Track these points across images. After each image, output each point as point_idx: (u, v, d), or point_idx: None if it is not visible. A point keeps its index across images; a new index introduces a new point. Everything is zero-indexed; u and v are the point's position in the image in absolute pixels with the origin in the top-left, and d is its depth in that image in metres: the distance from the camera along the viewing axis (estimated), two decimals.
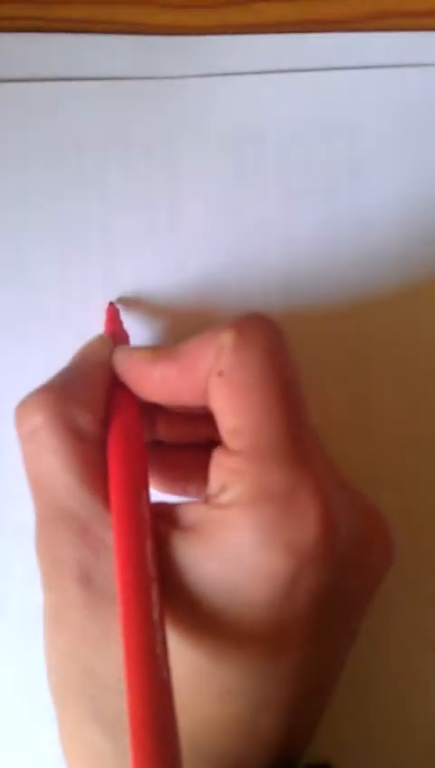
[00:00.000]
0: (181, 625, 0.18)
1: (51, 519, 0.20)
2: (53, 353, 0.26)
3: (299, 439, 0.19)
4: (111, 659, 0.18)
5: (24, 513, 0.25)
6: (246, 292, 0.27)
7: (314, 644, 0.19)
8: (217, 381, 0.19)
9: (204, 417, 0.22)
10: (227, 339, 0.19)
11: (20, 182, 0.27)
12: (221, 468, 0.19)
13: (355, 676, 0.24)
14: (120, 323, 0.25)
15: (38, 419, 0.20)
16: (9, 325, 0.27)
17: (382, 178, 0.27)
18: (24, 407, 0.20)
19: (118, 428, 0.21)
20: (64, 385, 0.21)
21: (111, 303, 0.26)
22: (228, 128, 0.27)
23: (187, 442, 0.24)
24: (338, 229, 0.27)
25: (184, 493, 0.24)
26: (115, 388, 0.22)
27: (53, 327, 0.27)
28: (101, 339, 0.23)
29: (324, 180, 0.27)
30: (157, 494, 0.23)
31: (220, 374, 0.19)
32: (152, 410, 0.23)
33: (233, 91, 0.27)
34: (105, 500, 0.20)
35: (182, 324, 0.27)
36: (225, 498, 0.19)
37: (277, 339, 0.20)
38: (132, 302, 0.27)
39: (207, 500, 0.19)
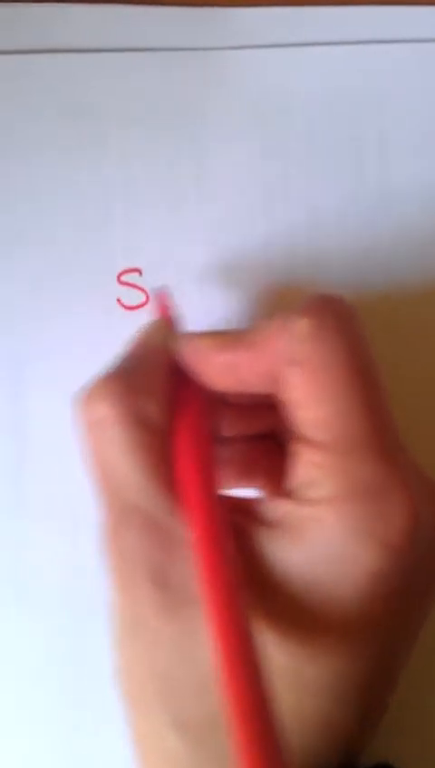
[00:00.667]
0: (268, 623, 0.18)
1: (119, 515, 0.19)
2: (73, 327, 0.26)
3: (385, 430, 0.18)
4: (192, 663, 0.18)
5: (46, 492, 0.26)
6: (273, 268, 0.26)
7: (392, 636, 0.19)
8: (293, 371, 0.19)
9: (266, 407, 0.21)
10: (300, 326, 0.19)
11: (43, 154, 0.27)
12: (305, 462, 0.19)
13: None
14: (172, 309, 0.24)
15: (103, 409, 0.19)
16: (28, 299, 0.26)
17: (411, 152, 0.27)
18: (87, 396, 0.19)
19: (184, 418, 0.20)
20: (127, 373, 0.20)
21: (161, 289, 0.25)
22: (255, 100, 0.27)
23: (248, 434, 0.23)
24: (366, 203, 0.27)
25: (245, 486, 0.23)
26: (177, 375, 0.21)
27: (73, 301, 0.26)
28: (159, 324, 0.22)
29: (353, 154, 0.27)
30: None
31: (296, 363, 0.19)
32: (212, 401, 0.22)
33: (260, 63, 0.27)
34: (175, 495, 0.19)
35: (208, 300, 0.26)
36: (313, 493, 0.18)
37: (353, 323, 0.19)
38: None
39: (291, 495, 0.19)
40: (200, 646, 0.17)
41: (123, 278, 0.26)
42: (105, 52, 0.27)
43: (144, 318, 0.26)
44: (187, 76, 0.27)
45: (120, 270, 0.26)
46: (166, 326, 0.22)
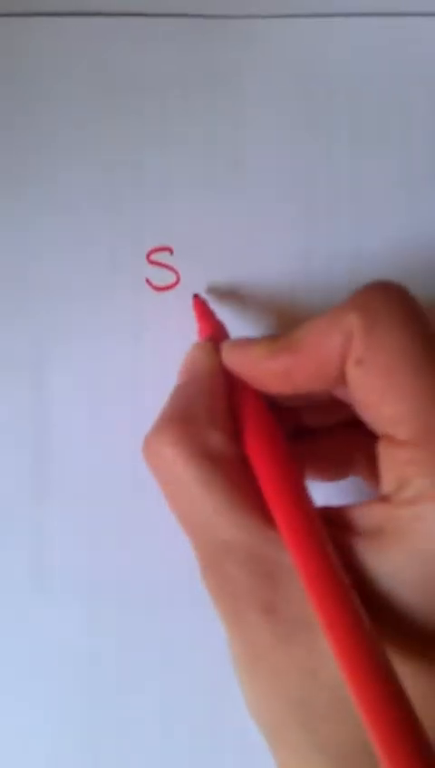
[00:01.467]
0: (388, 641, 0.17)
1: (214, 554, 0.18)
2: (99, 308, 0.25)
3: None
4: (323, 688, 0.17)
5: (68, 477, 0.25)
6: (312, 248, 0.25)
7: None
8: (357, 371, 0.18)
9: (343, 401, 0.20)
10: (355, 321, 0.18)
11: (76, 125, 0.25)
12: (393, 462, 0.18)
13: None
14: (212, 315, 0.24)
15: (169, 455, 0.18)
16: (53, 277, 0.25)
17: None
18: (150, 445, 0.19)
19: (254, 438, 0.19)
20: (183, 408, 0.19)
21: (197, 296, 0.24)
22: (297, 72, 0.25)
23: (332, 423, 0.22)
24: (413, 182, 0.25)
25: (344, 476, 0.23)
26: (234, 392, 0.20)
27: (99, 280, 0.25)
28: (202, 347, 0.21)
29: (398, 129, 0.25)
30: None
31: (359, 362, 0.18)
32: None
33: (302, 33, 0.25)
34: (267, 519, 0.18)
35: (252, 286, 0.25)
36: (409, 494, 0.17)
37: (410, 307, 0.18)
38: (222, 293, 0.25)
39: (385, 499, 0.18)
40: (330, 669, 0.17)
41: (153, 257, 0.25)
42: (140, 17, 0.25)
43: (174, 300, 0.25)
44: (223, 46, 0.25)
45: (149, 248, 0.25)
46: (210, 345, 0.21)
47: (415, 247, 0.25)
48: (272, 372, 0.19)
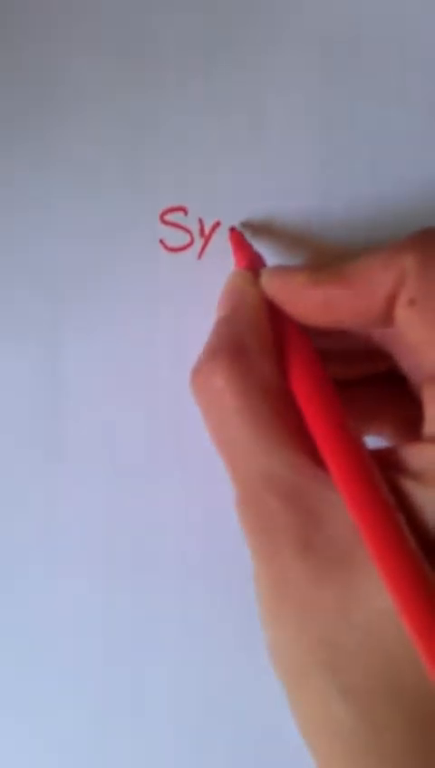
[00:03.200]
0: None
1: (254, 487, 0.18)
2: (110, 270, 0.25)
3: None
4: (354, 628, 0.17)
5: (77, 437, 0.25)
6: (330, 213, 0.24)
7: None
8: (409, 311, 0.18)
9: (374, 351, 0.20)
10: (410, 261, 0.18)
11: (91, 79, 0.24)
12: None
13: None
14: (249, 247, 0.23)
15: (219, 383, 0.18)
16: (62, 236, 0.25)
17: None
18: (199, 373, 0.19)
19: (300, 370, 0.19)
20: (234, 338, 0.19)
21: (233, 228, 0.24)
22: (317, 27, 0.24)
23: (357, 378, 0.22)
24: (431, 131, 0.24)
25: (370, 434, 0.22)
26: (275, 322, 0.20)
27: (110, 241, 0.25)
28: (243, 276, 0.21)
29: (422, 91, 0.24)
30: None
31: (412, 302, 0.18)
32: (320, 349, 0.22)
33: None
34: (312, 456, 0.18)
35: (259, 247, 0.24)
36: None
37: None
38: (258, 228, 0.24)
39: (431, 440, 0.18)
40: (363, 608, 0.17)
41: (167, 217, 0.24)
42: None
43: (188, 261, 0.24)
44: (243, 5, 0.24)
45: (163, 208, 0.24)
46: (249, 274, 0.21)
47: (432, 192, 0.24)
48: (314, 301, 0.19)
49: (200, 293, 0.24)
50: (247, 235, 0.24)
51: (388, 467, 0.18)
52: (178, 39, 0.24)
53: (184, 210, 0.24)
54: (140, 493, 0.25)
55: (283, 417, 0.18)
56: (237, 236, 0.23)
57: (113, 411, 0.25)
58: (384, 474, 0.17)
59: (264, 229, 0.24)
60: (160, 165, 0.24)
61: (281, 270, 0.20)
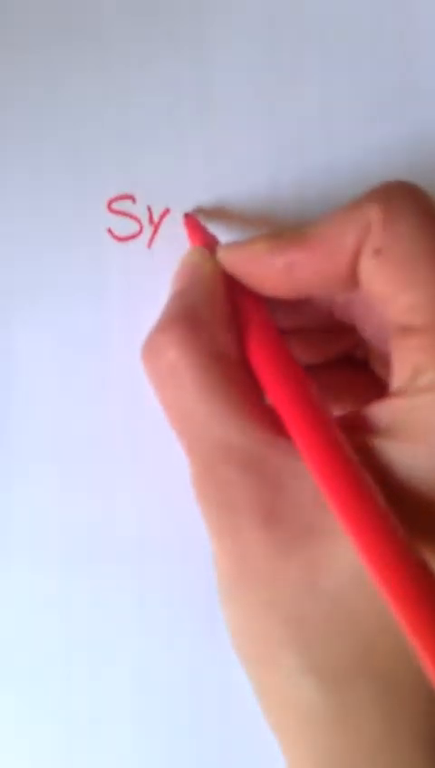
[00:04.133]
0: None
1: (211, 460, 0.18)
2: (58, 260, 0.24)
3: None
4: (323, 600, 0.16)
5: (28, 430, 0.24)
6: (280, 194, 0.24)
7: None
8: (374, 262, 0.17)
9: (333, 329, 0.20)
10: (374, 213, 0.17)
11: (32, 60, 0.24)
12: (408, 352, 0.17)
13: None
14: (204, 230, 0.23)
15: (172, 353, 0.18)
16: (6, 227, 0.24)
17: (433, 49, 0.24)
18: (151, 345, 0.18)
19: (258, 340, 0.19)
20: (187, 309, 0.19)
21: (188, 214, 0.24)
22: (264, 9, 0.24)
23: (316, 362, 0.22)
24: (388, 125, 0.24)
25: None
26: (234, 296, 0.20)
27: (57, 230, 0.24)
28: (199, 252, 0.21)
29: (372, 70, 0.24)
30: None
31: (377, 253, 0.17)
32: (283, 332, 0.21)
33: None
34: (272, 425, 0.17)
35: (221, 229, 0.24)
36: (424, 381, 0.17)
37: (427, 200, 0.18)
38: (211, 213, 0.24)
39: (399, 393, 0.17)
40: (330, 577, 0.16)
41: (114, 205, 0.24)
42: None
43: (138, 249, 0.24)
44: None
45: (110, 196, 0.24)
46: (206, 251, 0.21)
47: (383, 160, 0.24)
48: (274, 268, 0.19)
49: (151, 282, 0.24)
50: (201, 221, 0.24)
51: (355, 430, 0.17)
52: (119, 22, 0.24)
53: (132, 198, 0.24)
54: (93, 484, 0.24)
55: (240, 386, 0.18)
56: (192, 221, 0.23)
57: (65, 404, 0.24)
58: (352, 438, 0.17)
59: (216, 214, 0.24)
60: (105, 152, 0.24)
61: (238, 243, 0.20)
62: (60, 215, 0.24)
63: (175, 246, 0.24)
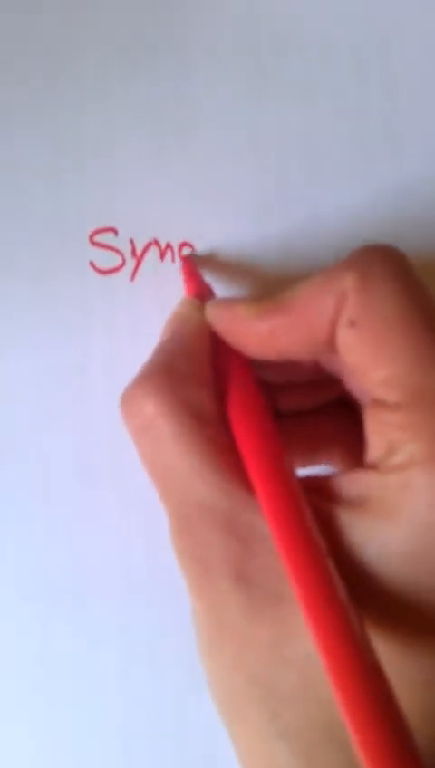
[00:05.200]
0: (370, 614, 0.16)
1: (187, 516, 0.18)
2: (39, 294, 0.24)
3: None
4: (291, 665, 0.16)
5: (4, 468, 0.24)
6: (265, 216, 0.24)
7: None
8: (349, 333, 0.17)
9: (323, 379, 0.20)
10: (349, 282, 0.17)
11: (13, 92, 0.24)
12: (382, 427, 0.17)
13: None
14: (200, 277, 0.22)
15: (149, 408, 0.18)
16: None
17: (419, 92, 0.24)
18: (129, 398, 0.18)
19: (237, 400, 0.18)
20: (167, 363, 0.18)
21: (186, 257, 0.23)
22: (246, 35, 0.24)
23: (311, 406, 0.22)
24: (369, 151, 0.24)
25: (319, 462, 0.22)
26: (218, 353, 0.19)
27: (38, 264, 0.24)
28: (189, 303, 0.21)
29: (353, 96, 0.24)
30: None
31: (352, 324, 0.17)
32: (267, 381, 0.21)
33: None
34: (246, 484, 0.17)
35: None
36: (398, 459, 0.16)
37: (406, 270, 0.17)
38: (203, 260, 0.24)
39: (372, 467, 0.17)
40: (298, 645, 0.16)
41: (96, 238, 0.24)
42: None
43: (120, 283, 0.23)
44: (168, 7, 0.24)
45: (92, 229, 0.24)
46: (198, 302, 0.21)
47: (371, 216, 0.24)
48: (257, 333, 0.19)
49: (134, 316, 0.23)
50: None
51: (323, 496, 0.17)
52: (99, 53, 0.24)
53: (114, 231, 0.24)
54: (76, 519, 0.24)
55: (217, 443, 0.17)
56: (189, 263, 0.23)
57: (47, 439, 0.24)
58: (320, 504, 0.17)
59: (206, 259, 0.24)
60: (87, 184, 0.24)
61: (224, 301, 0.20)
62: (41, 247, 0.24)
63: (158, 280, 0.23)
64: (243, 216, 0.24)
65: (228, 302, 0.20)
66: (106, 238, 0.24)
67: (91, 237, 0.24)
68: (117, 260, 0.24)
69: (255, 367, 0.20)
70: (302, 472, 0.18)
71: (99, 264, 0.24)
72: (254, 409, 0.18)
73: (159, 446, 0.18)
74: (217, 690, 0.18)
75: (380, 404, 0.17)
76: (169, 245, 0.24)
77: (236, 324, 0.19)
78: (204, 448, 0.17)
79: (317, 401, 0.22)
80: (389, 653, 0.16)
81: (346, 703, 0.14)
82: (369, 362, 0.17)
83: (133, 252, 0.24)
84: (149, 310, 0.23)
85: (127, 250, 0.24)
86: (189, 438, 0.17)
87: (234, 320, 0.19)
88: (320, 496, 0.17)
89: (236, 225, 0.24)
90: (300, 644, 0.16)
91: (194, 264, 0.23)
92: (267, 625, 0.17)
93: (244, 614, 0.17)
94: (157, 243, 0.24)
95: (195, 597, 0.18)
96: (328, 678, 0.15)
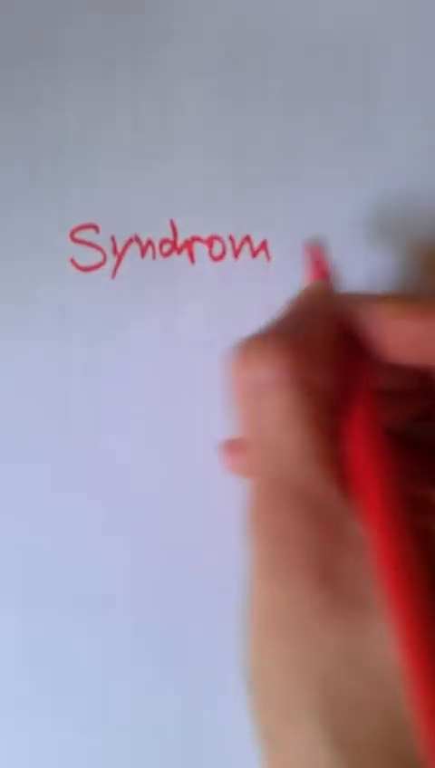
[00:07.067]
0: None
1: (277, 495, 0.16)
2: (18, 291, 0.23)
3: None
4: (361, 674, 0.15)
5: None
6: (243, 221, 0.24)
7: None
8: None
9: (420, 391, 0.19)
10: None
11: None
12: None
13: None
14: (328, 267, 0.21)
15: (265, 371, 0.16)
16: None
17: (398, 95, 0.24)
18: (245, 355, 0.16)
19: (356, 396, 0.17)
20: (292, 332, 0.17)
21: (313, 243, 0.22)
22: (227, 34, 0.24)
23: (401, 417, 0.21)
24: (353, 150, 0.24)
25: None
26: (344, 346, 0.18)
27: (17, 261, 0.23)
28: (323, 287, 0.19)
29: (336, 95, 0.24)
30: None
31: None
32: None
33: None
34: (342, 483, 0.16)
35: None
36: None
37: None
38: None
39: None
40: (372, 655, 0.15)
41: (77, 235, 0.23)
42: None
43: (101, 280, 0.23)
44: (149, 15, 0.23)
45: (73, 226, 0.23)
46: (329, 289, 0.19)
47: (352, 213, 0.24)
48: (407, 335, 0.17)
49: (115, 314, 0.23)
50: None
51: (421, 511, 0.17)
52: (79, 50, 0.23)
53: (95, 227, 0.24)
54: (55, 530, 0.23)
55: (325, 431, 0.16)
56: (317, 253, 0.21)
57: (25, 440, 0.23)
58: (426, 520, 0.16)
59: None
60: (67, 180, 0.23)
61: (367, 299, 0.18)
62: (21, 244, 0.23)
63: (139, 277, 0.23)
64: (221, 210, 0.24)
65: (367, 296, 0.18)
66: (87, 235, 0.23)
67: (71, 234, 0.23)
68: (98, 257, 0.23)
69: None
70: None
71: (79, 261, 0.23)
72: (372, 412, 0.17)
73: (266, 413, 0.16)
74: (263, 688, 0.17)
75: None
76: (150, 242, 0.23)
77: (381, 323, 0.18)
78: (312, 428, 0.16)
79: (409, 412, 0.21)
80: None
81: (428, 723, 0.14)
82: None
83: (114, 249, 0.23)
84: (130, 306, 0.23)
85: (108, 247, 0.23)
86: (298, 414, 0.16)
87: (379, 318, 0.18)
88: (420, 511, 0.17)
89: (217, 222, 0.24)
90: (372, 657, 0.15)
91: (322, 253, 0.21)
92: (343, 629, 0.16)
93: (319, 614, 0.16)
94: (138, 239, 0.23)
95: (264, 582, 0.16)
96: (411, 696, 0.14)
